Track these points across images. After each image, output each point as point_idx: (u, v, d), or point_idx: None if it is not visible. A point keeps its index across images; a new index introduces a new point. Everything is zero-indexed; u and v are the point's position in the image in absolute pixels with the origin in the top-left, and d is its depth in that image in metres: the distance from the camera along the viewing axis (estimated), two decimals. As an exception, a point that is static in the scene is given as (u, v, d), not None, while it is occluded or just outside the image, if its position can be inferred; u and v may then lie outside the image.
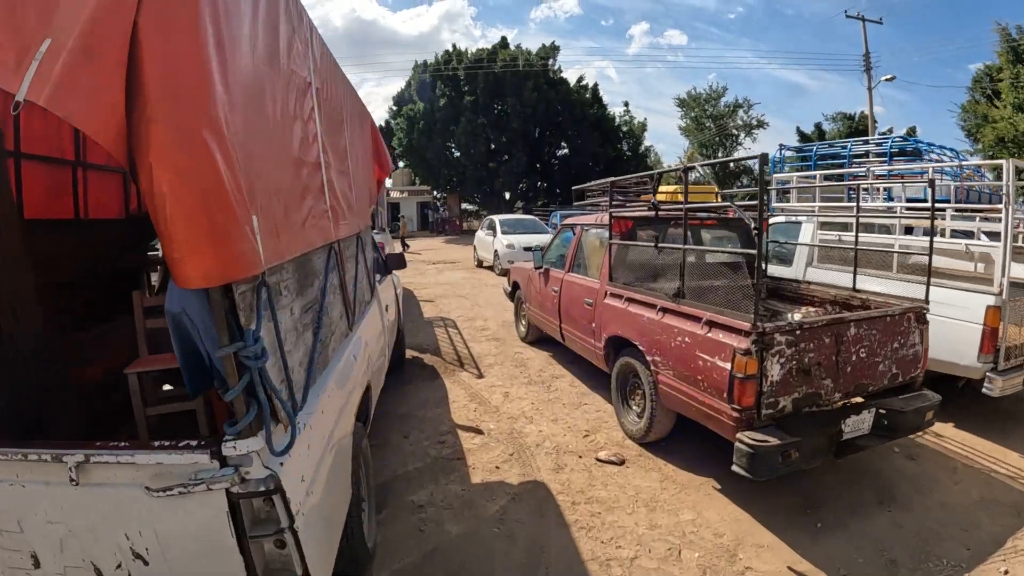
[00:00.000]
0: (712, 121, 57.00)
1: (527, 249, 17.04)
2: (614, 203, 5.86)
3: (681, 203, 5.00)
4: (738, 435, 4.00)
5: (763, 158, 3.84)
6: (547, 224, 21.43)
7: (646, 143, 49.88)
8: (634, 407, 5.52)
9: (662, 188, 31.51)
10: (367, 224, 4.80)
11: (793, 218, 8.45)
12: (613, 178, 5.92)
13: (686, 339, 4.43)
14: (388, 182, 45.81)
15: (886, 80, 31.64)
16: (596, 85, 43.90)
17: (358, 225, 4.09)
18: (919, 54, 72.48)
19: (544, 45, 41.50)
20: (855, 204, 6.16)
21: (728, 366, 4.01)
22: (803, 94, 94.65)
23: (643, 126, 49.98)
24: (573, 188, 7.36)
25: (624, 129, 47.07)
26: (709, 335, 4.22)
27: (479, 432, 5.70)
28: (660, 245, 5.03)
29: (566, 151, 43.75)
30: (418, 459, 5.14)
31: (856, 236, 5.95)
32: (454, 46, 39.46)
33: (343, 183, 3.73)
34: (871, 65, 33.41)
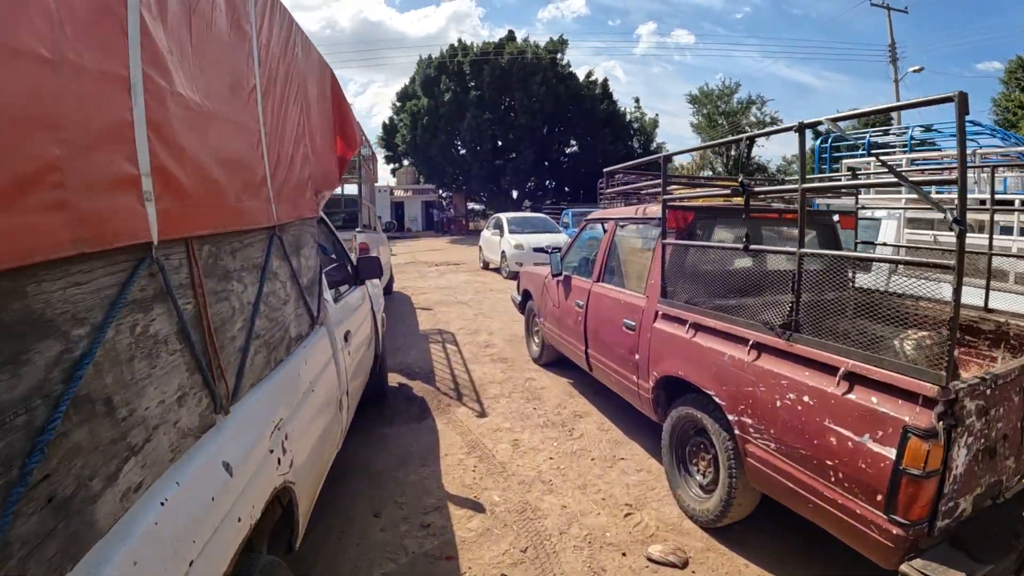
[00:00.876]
0: (724, 118, 55.42)
1: (537, 250, 15.42)
2: (663, 187, 4.22)
3: (778, 185, 3.40)
4: (903, 567, 2.38)
5: (961, 100, 2.21)
6: (558, 223, 19.73)
7: (657, 140, 47.97)
8: (697, 476, 3.87)
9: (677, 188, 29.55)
10: (304, 215, 3.15)
11: (870, 214, 6.82)
12: (667, 152, 4.26)
13: (804, 398, 2.78)
14: (391, 180, 44.38)
15: (913, 72, 29.93)
16: (606, 80, 42.25)
17: (274, 215, 2.47)
18: (926, 52, 70.43)
19: (552, 39, 39.89)
20: (989, 195, 4.58)
21: (891, 454, 2.37)
22: (809, 93, 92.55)
23: (655, 123, 48.31)
24: (605, 170, 5.71)
25: (635, 126, 45.42)
26: (852, 397, 2.57)
27: (479, 508, 4.06)
28: (754, 247, 3.36)
29: (575, 148, 42.10)
30: (390, 556, 3.51)
31: (990, 236, 4.34)
32: (460, 40, 37.80)
33: (239, 144, 2.13)
34: (897, 56, 31.76)
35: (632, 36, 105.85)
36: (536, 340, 7.31)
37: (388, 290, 12.97)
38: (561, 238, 16.00)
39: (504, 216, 17.64)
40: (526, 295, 7.52)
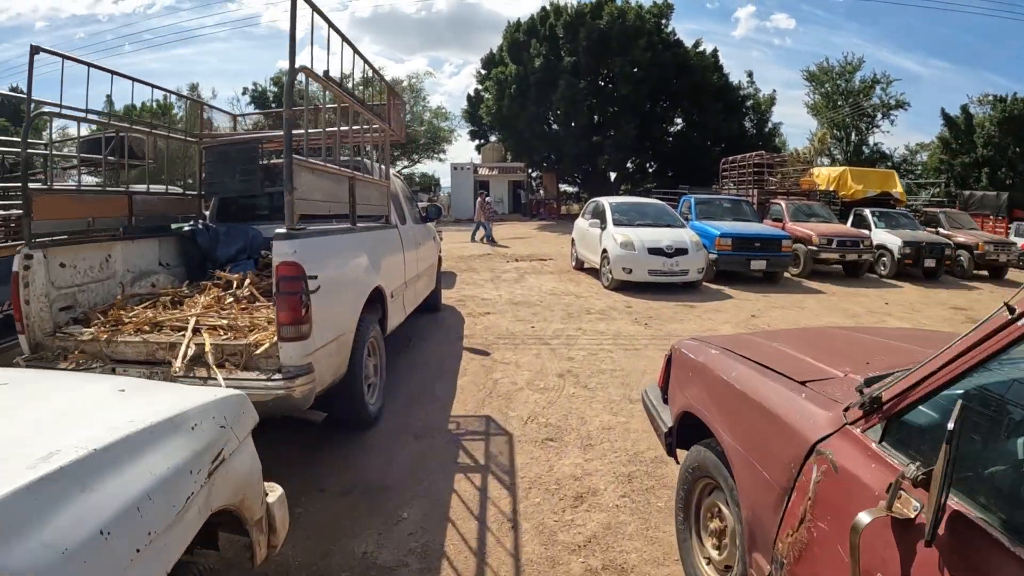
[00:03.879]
0: (844, 98, 48.17)
1: (653, 251, 10.44)
2: None
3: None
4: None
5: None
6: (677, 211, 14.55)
7: (773, 120, 41.52)
8: None
9: (822, 171, 23.72)
10: None
11: None
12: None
13: None
14: (476, 157, 39.92)
15: None
16: (716, 50, 36.26)
17: None
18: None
19: (656, 2, 34.16)
20: None
21: None
22: (916, 80, 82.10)
23: (771, 100, 41.81)
24: None
25: (748, 103, 39.16)
26: None
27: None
28: None
29: (680, 126, 36.42)
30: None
31: None
32: (552, 2, 32.62)
33: None
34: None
35: (730, 20, 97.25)
36: (714, 550, 2.58)
37: (435, 305, 8.55)
38: (686, 236, 11.00)
39: (607, 201, 12.70)
40: (687, 422, 2.74)
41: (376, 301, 4.84)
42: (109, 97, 11.90)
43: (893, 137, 71.78)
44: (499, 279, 12.33)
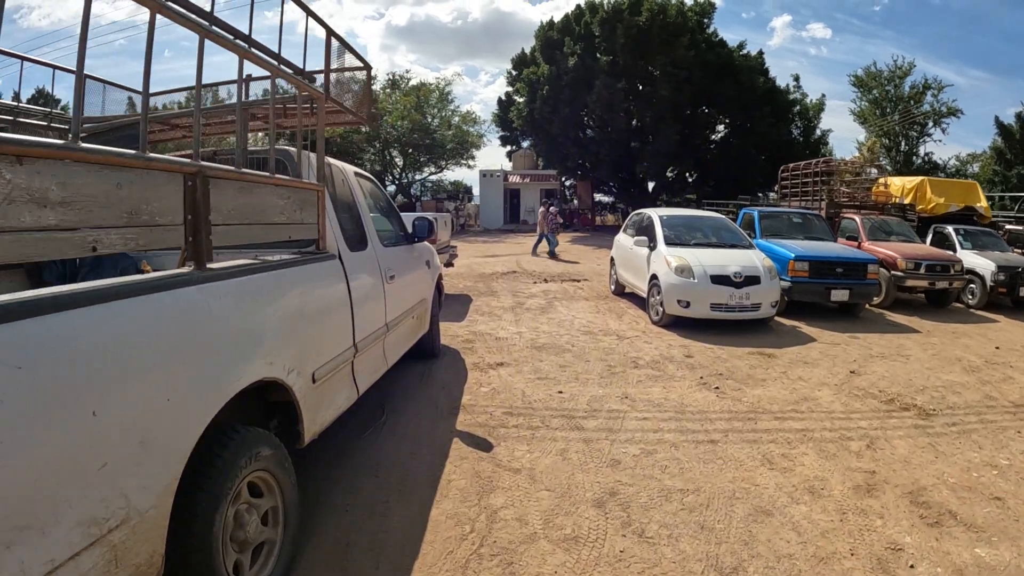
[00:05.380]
0: (892, 104, 44.98)
1: (717, 280, 8.10)
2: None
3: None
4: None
5: None
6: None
7: (821, 126, 38.57)
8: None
9: (896, 181, 20.64)
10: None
11: None
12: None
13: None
14: (507, 164, 37.75)
15: None
16: (761, 52, 33.56)
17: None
18: None
19: (698, 0, 31.55)
20: None
21: None
22: (953, 92, 78.97)
23: (820, 105, 38.82)
24: None
25: (795, 108, 36.35)
26: None
27: None
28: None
29: (723, 132, 33.80)
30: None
31: None
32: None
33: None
34: None
35: (766, 29, 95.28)
36: None
37: (430, 351, 6.45)
38: (757, 260, 8.62)
39: (656, 214, 10.30)
40: None
41: (270, 396, 2.67)
42: (135, 92, 10.12)
43: (943, 147, 68.53)
44: (521, 307, 10.09)
